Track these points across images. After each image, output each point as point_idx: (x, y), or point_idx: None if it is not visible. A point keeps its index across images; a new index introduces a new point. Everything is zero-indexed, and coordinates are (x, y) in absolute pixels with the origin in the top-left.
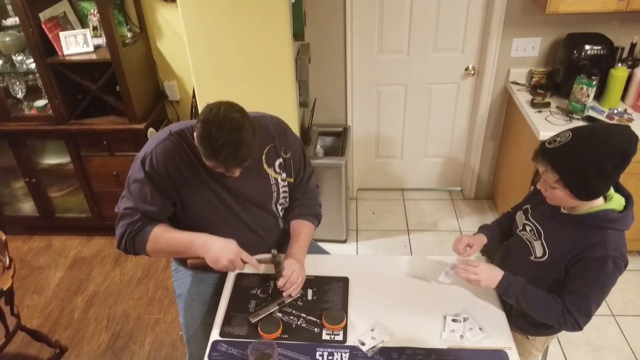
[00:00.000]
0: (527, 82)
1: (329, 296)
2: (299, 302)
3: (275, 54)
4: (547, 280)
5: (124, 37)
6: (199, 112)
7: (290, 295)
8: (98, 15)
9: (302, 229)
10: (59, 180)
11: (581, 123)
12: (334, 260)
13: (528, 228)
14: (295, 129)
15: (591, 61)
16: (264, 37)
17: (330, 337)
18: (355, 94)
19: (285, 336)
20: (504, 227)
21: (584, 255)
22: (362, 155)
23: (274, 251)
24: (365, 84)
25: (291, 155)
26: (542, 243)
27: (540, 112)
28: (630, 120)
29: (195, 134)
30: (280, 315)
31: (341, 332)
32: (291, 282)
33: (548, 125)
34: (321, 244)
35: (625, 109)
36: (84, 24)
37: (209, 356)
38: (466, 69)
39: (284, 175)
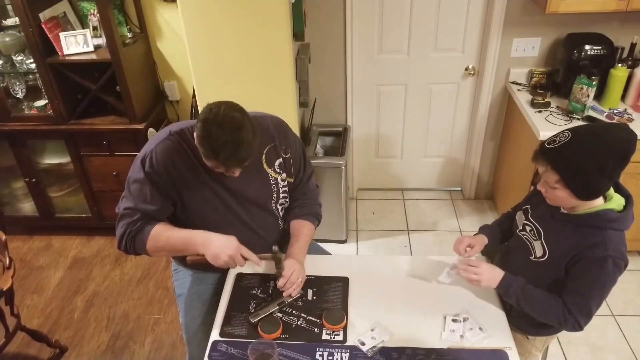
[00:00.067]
0: (527, 82)
1: (329, 296)
2: (299, 302)
3: (275, 54)
4: (547, 280)
5: (124, 37)
6: (199, 112)
7: (290, 295)
8: (98, 15)
9: (302, 229)
10: (59, 180)
11: (581, 123)
12: (334, 260)
13: (528, 228)
14: (295, 129)
15: (591, 61)
16: (264, 37)
17: (330, 337)
18: (355, 94)
19: (285, 336)
20: (505, 227)
21: (584, 255)
22: (362, 155)
23: (275, 247)
24: (365, 84)
25: (291, 155)
26: (542, 243)
27: (540, 112)
28: (630, 120)
29: (195, 134)
30: (280, 315)
31: (341, 332)
32: (291, 282)
33: (548, 125)
34: (321, 244)
35: (625, 109)
36: (84, 24)
37: (209, 356)
38: (466, 69)
39: (284, 175)
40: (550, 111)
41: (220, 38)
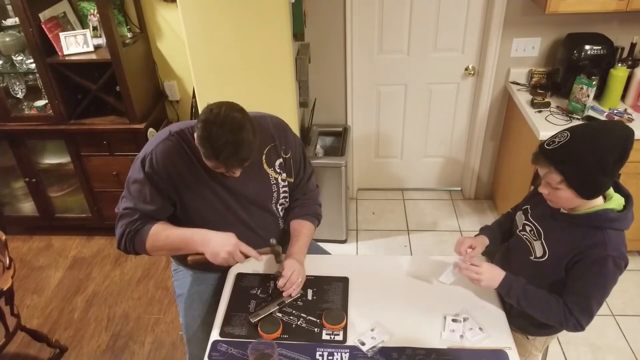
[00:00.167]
0: (527, 82)
1: (329, 296)
2: (299, 302)
3: (275, 54)
4: (548, 281)
5: (124, 37)
6: (199, 112)
7: (290, 295)
8: (98, 15)
9: (302, 229)
10: (59, 180)
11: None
12: (334, 260)
13: (528, 228)
14: (295, 129)
15: (591, 61)
16: (264, 37)
17: (330, 337)
18: (355, 94)
19: (285, 336)
20: (505, 227)
21: (584, 255)
22: (362, 155)
23: (273, 241)
24: (365, 84)
25: (291, 155)
26: (542, 243)
27: (540, 112)
28: (630, 120)
29: (195, 134)
30: (280, 315)
31: (341, 332)
32: (291, 282)
33: (548, 125)
34: (321, 244)
35: (625, 109)
36: (84, 24)
37: (209, 356)
38: (466, 69)
39: (284, 175)
40: (550, 111)
41: (220, 38)
